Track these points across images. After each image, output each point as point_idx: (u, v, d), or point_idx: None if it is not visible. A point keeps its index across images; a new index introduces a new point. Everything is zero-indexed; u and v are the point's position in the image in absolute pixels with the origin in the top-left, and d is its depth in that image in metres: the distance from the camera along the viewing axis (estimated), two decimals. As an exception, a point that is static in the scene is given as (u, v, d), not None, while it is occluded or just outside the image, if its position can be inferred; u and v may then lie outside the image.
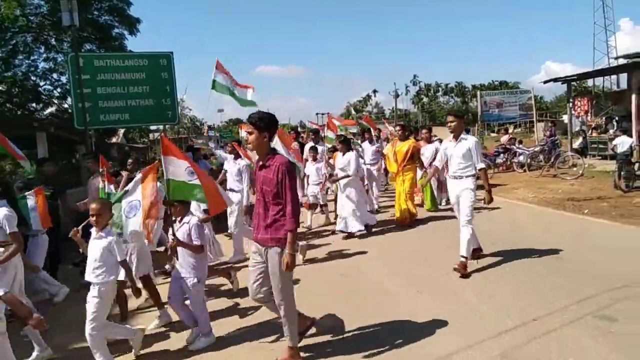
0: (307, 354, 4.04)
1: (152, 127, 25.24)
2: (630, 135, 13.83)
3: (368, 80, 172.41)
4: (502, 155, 18.01)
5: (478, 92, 26.57)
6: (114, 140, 23.69)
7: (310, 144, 10.60)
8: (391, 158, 9.32)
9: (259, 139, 3.75)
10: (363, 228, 8.26)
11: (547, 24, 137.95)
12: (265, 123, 3.75)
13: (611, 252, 6.49)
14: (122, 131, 20.96)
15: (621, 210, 9.22)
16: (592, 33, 51.68)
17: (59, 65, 19.97)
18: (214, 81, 8.11)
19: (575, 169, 15.12)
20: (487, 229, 8.18)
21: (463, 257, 5.85)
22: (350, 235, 8.27)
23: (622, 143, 12.10)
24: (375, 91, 70.16)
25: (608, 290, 4.92)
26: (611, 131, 17.57)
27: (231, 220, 7.33)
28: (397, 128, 10.10)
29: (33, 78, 20.01)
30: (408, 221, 9.06)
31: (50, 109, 20.84)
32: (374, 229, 8.57)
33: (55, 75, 20.35)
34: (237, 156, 7.58)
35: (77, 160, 17.69)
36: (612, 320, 4.24)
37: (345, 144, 8.45)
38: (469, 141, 5.98)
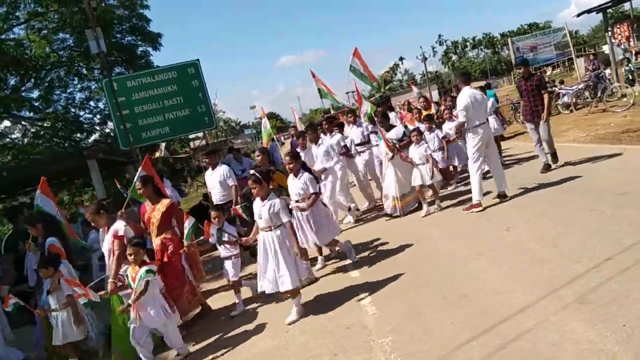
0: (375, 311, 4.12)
1: (191, 135, 25.84)
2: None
3: (393, 49, 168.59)
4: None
5: (509, 40, 25.49)
6: (157, 154, 24.39)
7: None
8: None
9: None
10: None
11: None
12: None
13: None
14: (163, 145, 21.57)
15: (682, 133, 8.74)
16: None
17: (93, 92, 20.81)
18: None
19: (625, 99, 14.40)
20: (543, 176, 7.97)
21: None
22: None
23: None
24: (402, 58, 67.82)
25: (681, 218, 4.71)
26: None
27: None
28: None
29: (73, 110, 20.92)
30: None
31: (94, 136, 21.75)
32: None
33: (92, 103, 21.24)
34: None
35: (127, 180, 18.38)
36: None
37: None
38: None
